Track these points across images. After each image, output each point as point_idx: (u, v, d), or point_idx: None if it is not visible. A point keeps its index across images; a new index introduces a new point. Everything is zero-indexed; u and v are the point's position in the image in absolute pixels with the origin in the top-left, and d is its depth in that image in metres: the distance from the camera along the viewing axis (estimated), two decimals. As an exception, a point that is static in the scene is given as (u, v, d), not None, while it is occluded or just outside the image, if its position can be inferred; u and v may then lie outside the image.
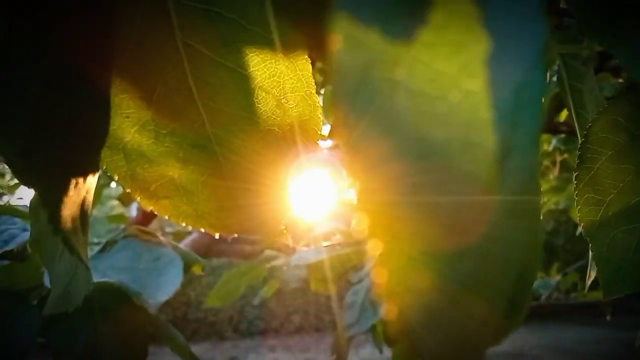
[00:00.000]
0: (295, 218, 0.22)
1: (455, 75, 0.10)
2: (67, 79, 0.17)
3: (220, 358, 4.71)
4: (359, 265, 1.02)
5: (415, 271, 0.10)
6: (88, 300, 0.43)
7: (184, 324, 5.34)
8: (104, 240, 0.54)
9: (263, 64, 0.21)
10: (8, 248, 0.49)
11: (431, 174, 0.10)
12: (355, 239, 1.05)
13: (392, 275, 0.10)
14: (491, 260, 0.10)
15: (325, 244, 1.08)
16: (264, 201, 0.23)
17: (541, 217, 0.11)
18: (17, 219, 0.53)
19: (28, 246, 0.53)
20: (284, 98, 0.22)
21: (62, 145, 0.16)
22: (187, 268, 0.46)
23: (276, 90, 0.21)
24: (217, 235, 0.23)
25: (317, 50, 0.21)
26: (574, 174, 0.28)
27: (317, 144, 0.23)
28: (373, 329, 1.09)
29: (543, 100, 0.10)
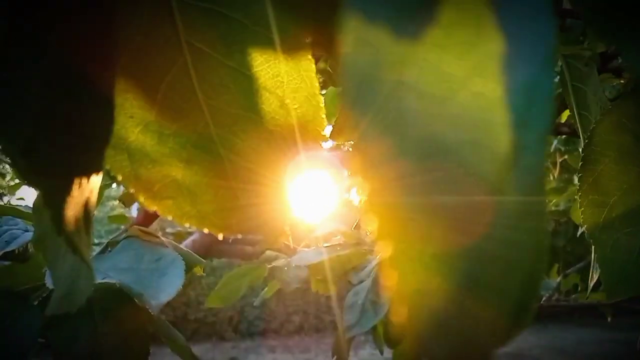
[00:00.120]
0: (296, 219, 0.22)
1: (464, 76, 0.10)
2: (70, 79, 0.17)
3: (220, 358, 4.71)
4: (360, 266, 1.02)
5: (425, 273, 0.10)
6: (89, 301, 0.43)
7: (184, 324, 5.34)
8: (104, 241, 0.54)
9: (266, 64, 0.21)
10: (9, 248, 0.49)
11: (440, 175, 0.10)
12: (356, 240, 1.05)
13: (401, 277, 0.10)
14: (498, 262, 0.10)
15: (326, 244, 1.08)
16: (267, 201, 0.23)
17: (547, 219, 0.11)
18: (19, 220, 0.53)
19: (30, 247, 0.53)
20: (287, 98, 0.22)
21: (65, 145, 0.16)
22: (188, 269, 0.46)
23: (279, 90, 0.21)
24: (220, 236, 0.23)
25: (323, 49, 0.21)
26: (578, 176, 0.28)
27: (320, 145, 0.22)
28: (374, 330, 1.09)
29: (552, 101, 0.10)
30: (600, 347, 4.69)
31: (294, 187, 0.23)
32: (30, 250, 0.54)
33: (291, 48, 0.21)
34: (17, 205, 0.58)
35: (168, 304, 0.43)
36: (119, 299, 0.43)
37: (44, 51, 0.16)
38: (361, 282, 0.95)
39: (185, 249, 0.59)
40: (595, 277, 0.32)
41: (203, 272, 0.56)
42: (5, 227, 0.52)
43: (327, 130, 0.23)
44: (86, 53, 0.17)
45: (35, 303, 0.47)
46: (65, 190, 0.16)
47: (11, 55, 0.16)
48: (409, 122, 0.10)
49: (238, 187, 0.22)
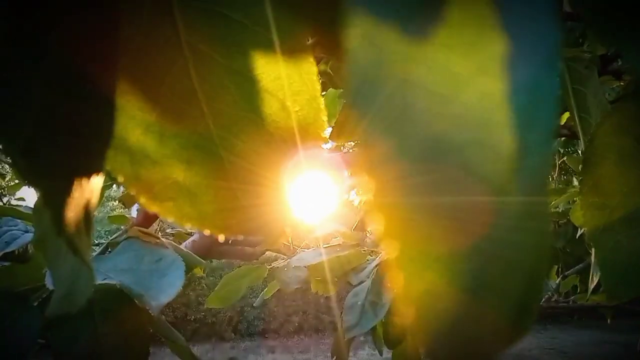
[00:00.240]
0: (296, 220, 0.22)
1: (469, 76, 0.10)
2: (70, 79, 0.17)
3: (220, 359, 4.71)
4: (359, 267, 1.02)
5: (430, 274, 0.10)
6: (89, 302, 0.43)
7: (183, 324, 5.34)
8: (105, 242, 0.54)
9: (267, 66, 0.21)
10: (9, 249, 0.49)
11: (444, 175, 0.10)
12: (355, 241, 1.05)
13: (407, 278, 0.10)
14: (501, 263, 0.10)
15: (325, 245, 1.08)
16: (267, 202, 0.23)
17: (550, 220, 0.11)
18: (19, 221, 0.53)
19: (30, 247, 0.53)
20: (288, 101, 0.21)
21: (65, 146, 0.16)
22: (188, 270, 0.46)
23: (280, 92, 0.21)
24: (220, 237, 0.23)
25: (324, 50, 0.21)
26: (578, 178, 0.28)
27: (321, 147, 0.22)
28: (373, 330, 1.09)
29: (557, 101, 0.10)
30: (600, 348, 4.70)
31: (294, 188, 0.23)
32: (30, 251, 0.54)
33: (292, 50, 0.21)
34: (17, 206, 0.58)
35: (168, 304, 0.43)
36: (119, 300, 0.43)
37: (45, 51, 0.16)
38: (361, 283, 0.95)
39: (185, 250, 0.59)
40: (596, 280, 0.32)
41: (203, 273, 0.56)
42: (5, 228, 0.52)
43: (328, 132, 0.23)
44: (87, 53, 0.17)
45: (35, 304, 0.47)
46: (65, 191, 0.16)
47: (11, 55, 0.16)
48: (413, 121, 0.10)
49: (238, 188, 0.22)
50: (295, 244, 1.16)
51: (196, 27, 0.21)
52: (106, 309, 0.45)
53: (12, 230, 0.52)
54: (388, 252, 0.10)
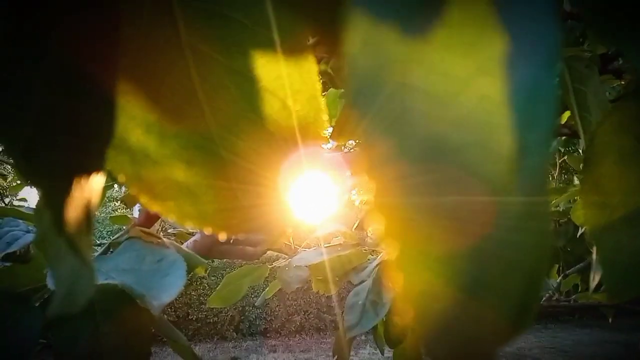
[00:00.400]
0: (297, 220, 0.22)
1: (468, 77, 0.10)
2: (71, 79, 0.17)
3: (222, 358, 4.72)
4: (360, 267, 1.02)
5: (430, 274, 0.10)
6: (90, 302, 0.43)
7: (185, 324, 5.35)
8: (106, 242, 0.54)
9: (268, 66, 0.21)
10: (11, 250, 0.49)
11: (444, 176, 0.10)
12: (356, 241, 1.05)
13: (407, 278, 0.10)
14: (501, 263, 0.10)
15: (326, 245, 1.08)
16: (268, 202, 0.23)
17: (550, 220, 0.11)
18: (20, 221, 0.54)
19: (31, 248, 0.53)
20: (288, 100, 0.21)
21: (66, 146, 0.16)
22: (190, 270, 0.46)
23: (281, 92, 0.21)
24: (221, 237, 0.23)
25: (325, 50, 0.21)
26: (579, 178, 0.28)
27: (321, 146, 0.22)
28: (374, 329, 1.09)
29: (556, 101, 0.10)
30: (601, 347, 4.69)
31: (294, 188, 0.23)
32: (31, 251, 0.54)
33: (293, 49, 0.21)
34: (19, 206, 0.59)
35: (170, 304, 0.43)
36: (120, 300, 0.43)
37: (45, 51, 0.16)
38: (362, 282, 0.96)
39: (186, 249, 0.59)
40: (597, 279, 0.32)
41: (205, 272, 0.57)
42: (6, 229, 0.53)
43: (328, 131, 0.23)
44: (87, 53, 0.17)
45: (37, 304, 0.47)
46: (66, 191, 0.16)
47: (11, 55, 0.16)
48: (413, 122, 0.10)
49: (239, 187, 0.22)
50: (296, 244, 1.16)
51: (196, 27, 0.21)
52: (107, 309, 0.45)
53: (13, 230, 0.52)
54: (388, 252, 0.10)
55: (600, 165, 0.28)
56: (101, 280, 0.42)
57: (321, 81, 0.22)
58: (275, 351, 5.04)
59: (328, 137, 0.23)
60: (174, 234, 1.05)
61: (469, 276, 0.10)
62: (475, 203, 0.10)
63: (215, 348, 5.14)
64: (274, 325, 5.74)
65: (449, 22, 0.10)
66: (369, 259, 1.01)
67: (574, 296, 1.58)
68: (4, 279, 0.48)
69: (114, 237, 0.55)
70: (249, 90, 0.21)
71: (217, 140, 0.22)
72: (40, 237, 0.20)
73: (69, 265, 0.18)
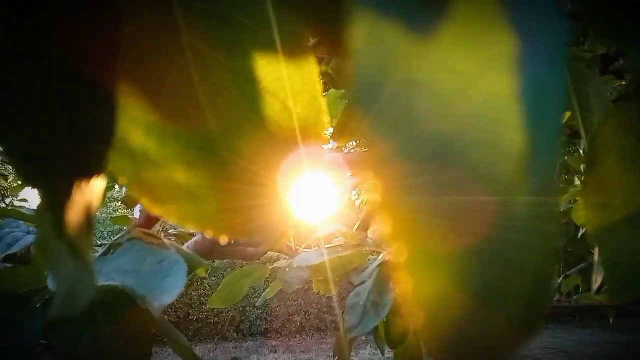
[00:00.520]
0: (298, 220, 0.22)
1: (476, 75, 0.10)
2: (72, 81, 0.17)
3: (222, 359, 4.72)
4: (361, 267, 1.02)
5: (440, 277, 0.10)
6: (91, 303, 0.43)
7: (186, 324, 5.35)
8: (107, 242, 0.54)
9: (269, 67, 0.21)
10: (12, 251, 0.49)
11: (453, 176, 0.10)
12: (357, 241, 1.05)
13: (417, 282, 0.10)
14: (510, 266, 0.10)
15: (327, 246, 1.08)
16: (269, 203, 0.23)
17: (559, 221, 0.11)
18: (21, 222, 0.54)
19: (32, 249, 0.53)
20: (289, 101, 0.21)
21: (67, 148, 0.16)
22: (191, 270, 0.46)
23: (282, 93, 0.21)
24: (222, 239, 0.23)
25: (326, 50, 0.21)
26: (581, 178, 0.28)
27: (322, 147, 0.22)
28: (375, 330, 1.09)
29: (564, 100, 0.10)
30: (602, 348, 4.69)
31: (295, 189, 0.23)
32: (32, 252, 0.54)
33: (294, 50, 0.21)
34: (20, 207, 0.59)
35: (170, 304, 0.43)
36: (122, 301, 0.43)
37: (45, 52, 0.16)
38: (363, 283, 0.95)
39: (187, 250, 0.59)
40: (599, 280, 0.32)
41: (206, 273, 0.57)
42: (7, 230, 0.53)
43: (329, 132, 0.23)
44: (87, 54, 0.17)
45: (38, 305, 0.47)
46: (67, 194, 0.16)
47: (12, 56, 0.16)
48: (419, 120, 0.09)
49: (240, 189, 0.22)
50: (297, 245, 1.16)
51: (197, 27, 0.21)
52: (108, 310, 0.45)
53: (14, 232, 0.52)
54: (395, 254, 0.10)
55: (602, 166, 0.27)
56: (102, 282, 0.42)
57: (322, 82, 0.22)
58: (276, 352, 5.04)
59: (329, 137, 0.23)
60: (175, 235, 1.05)
61: (479, 279, 0.10)
62: (484, 203, 0.10)
63: (215, 348, 5.14)
64: (274, 326, 5.74)
65: (455, 17, 0.10)
66: (369, 260, 1.01)
67: (575, 297, 1.57)
68: (5, 280, 0.48)
69: (115, 238, 0.55)
70: (249, 91, 0.21)
71: (217, 141, 0.22)
72: (41, 239, 0.20)
73: (70, 268, 0.18)
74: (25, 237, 0.52)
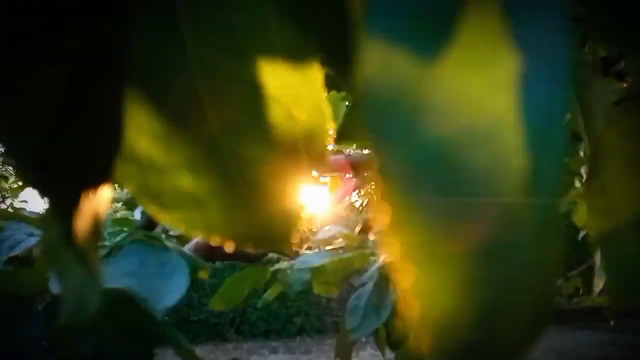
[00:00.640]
0: (303, 225, 0.23)
1: (484, 98, 0.10)
2: (80, 87, 0.17)
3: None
4: (362, 269, 1.02)
5: (449, 293, 0.10)
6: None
7: (186, 325, 5.35)
8: (108, 243, 0.54)
9: (273, 74, 0.21)
10: (13, 253, 0.49)
11: (462, 200, 0.10)
12: (358, 243, 1.05)
13: (426, 298, 0.10)
14: (518, 268, 0.10)
15: (328, 247, 1.08)
16: (274, 210, 0.23)
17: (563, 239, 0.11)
18: (22, 224, 0.54)
19: (33, 251, 0.53)
20: (293, 108, 0.22)
21: (76, 156, 0.16)
22: (193, 273, 0.46)
23: (286, 100, 0.21)
24: (228, 247, 0.23)
25: (327, 56, 0.21)
26: (584, 182, 0.28)
27: (326, 154, 0.22)
28: (376, 332, 1.09)
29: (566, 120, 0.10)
30: (602, 350, 4.69)
31: (301, 194, 0.23)
32: (34, 254, 0.54)
33: (298, 57, 0.21)
34: (20, 209, 0.59)
35: (170, 305, 0.43)
36: (124, 304, 0.43)
37: (59, 59, 0.16)
38: (363, 284, 0.96)
39: (189, 252, 0.59)
40: (601, 284, 0.32)
41: (207, 276, 0.57)
42: (9, 232, 0.53)
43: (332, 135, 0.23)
44: (97, 61, 0.17)
45: (40, 307, 0.47)
46: (75, 202, 0.16)
47: (23, 63, 0.16)
48: (428, 142, 0.10)
49: (245, 196, 0.22)
50: (298, 246, 1.16)
51: (201, 35, 0.21)
52: (111, 312, 0.45)
53: (16, 234, 0.53)
54: (399, 259, 0.10)
55: (606, 171, 0.28)
56: (104, 284, 0.42)
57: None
58: (276, 352, 5.04)
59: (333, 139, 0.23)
60: (176, 237, 1.05)
61: (486, 283, 0.10)
62: (490, 224, 0.10)
63: (216, 349, 5.14)
64: (274, 327, 5.74)
65: (462, 40, 0.10)
66: (370, 262, 1.02)
67: (575, 299, 1.57)
68: (6, 282, 0.48)
69: (116, 240, 0.55)
70: (254, 98, 0.21)
71: (222, 148, 0.22)
72: (47, 246, 0.20)
73: (78, 275, 0.18)
74: (27, 240, 0.52)
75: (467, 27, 0.10)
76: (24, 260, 0.54)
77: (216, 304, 1.10)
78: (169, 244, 0.52)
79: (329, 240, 1.08)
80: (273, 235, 0.23)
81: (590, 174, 0.28)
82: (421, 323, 0.10)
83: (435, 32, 0.10)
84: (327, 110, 0.22)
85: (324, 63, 0.22)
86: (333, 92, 1.07)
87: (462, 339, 0.10)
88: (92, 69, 0.16)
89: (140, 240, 0.51)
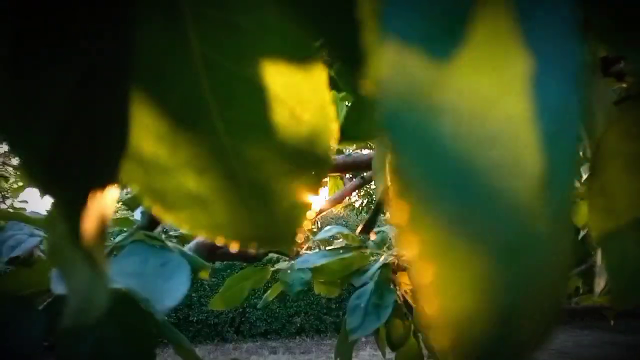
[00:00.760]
0: (307, 225, 0.23)
1: (496, 98, 0.10)
2: (88, 88, 0.17)
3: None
4: (362, 269, 1.02)
5: (467, 299, 0.10)
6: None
7: (186, 325, 5.35)
8: (109, 244, 0.54)
9: (278, 75, 0.21)
10: (15, 254, 0.49)
11: (477, 202, 0.10)
12: (358, 243, 1.05)
13: (444, 304, 0.10)
14: (527, 286, 0.10)
15: (328, 247, 1.08)
16: (279, 210, 0.23)
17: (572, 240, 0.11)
18: (24, 225, 0.54)
19: (35, 251, 0.53)
20: (298, 109, 0.22)
21: (84, 157, 0.16)
22: (193, 273, 0.46)
23: (291, 100, 0.21)
24: (233, 247, 0.23)
25: (332, 56, 0.21)
26: (585, 183, 0.28)
27: (330, 154, 0.22)
28: (376, 332, 1.09)
29: (580, 121, 0.10)
30: (601, 349, 4.69)
31: (305, 195, 0.23)
32: (35, 255, 0.55)
33: (302, 58, 0.21)
34: (21, 209, 0.59)
35: (170, 305, 0.43)
36: (125, 304, 0.43)
37: (69, 61, 0.16)
38: (364, 284, 0.96)
39: (190, 252, 0.59)
40: (602, 284, 0.32)
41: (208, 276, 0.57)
42: (10, 232, 0.53)
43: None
44: (107, 61, 0.17)
45: (40, 307, 0.47)
46: (82, 203, 0.16)
47: (33, 65, 0.16)
48: (444, 144, 0.10)
49: (250, 196, 0.22)
50: (298, 246, 1.16)
51: (207, 35, 0.21)
52: (112, 312, 0.45)
53: (17, 234, 0.53)
54: (423, 276, 0.10)
55: (607, 171, 0.28)
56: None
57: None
58: (275, 353, 5.04)
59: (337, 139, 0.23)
60: (177, 237, 1.05)
61: (501, 300, 0.10)
62: (507, 229, 0.10)
63: (215, 349, 5.14)
64: (274, 327, 5.74)
65: (475, 41, 0.10)
66: (370, 262, 1.02)
67: (575, 298, 1.57)
68: (8, 282, 0.48)
69: (116, 240, 0.55)
70: (259, 98, 0.21)
71: (228, 149, 0.22)
72: (52, 247, 0.21)
73: (84, 276, 0.19)
74: (28, 240, 0.52)
75: (480, 28, 0.10)
76: (25, 260, 0.54)
77: (216, 304, 1.10)
78: (169, 244, 0.52)
79: (329, 241, 1.08)
80: (278, 235, 0.23)
81: (591, 175, 0.28)
82: (438, 322, 0.10)
83: (449, 33, 0.10)
84: (332, 111, 0.22)
85: (329, 63, 0.22)
86: (333, 92, 1.08)
87: (479, 338, 0.10)
88: (98, 70, 0.16)
89: (141, 240, 0.51)
